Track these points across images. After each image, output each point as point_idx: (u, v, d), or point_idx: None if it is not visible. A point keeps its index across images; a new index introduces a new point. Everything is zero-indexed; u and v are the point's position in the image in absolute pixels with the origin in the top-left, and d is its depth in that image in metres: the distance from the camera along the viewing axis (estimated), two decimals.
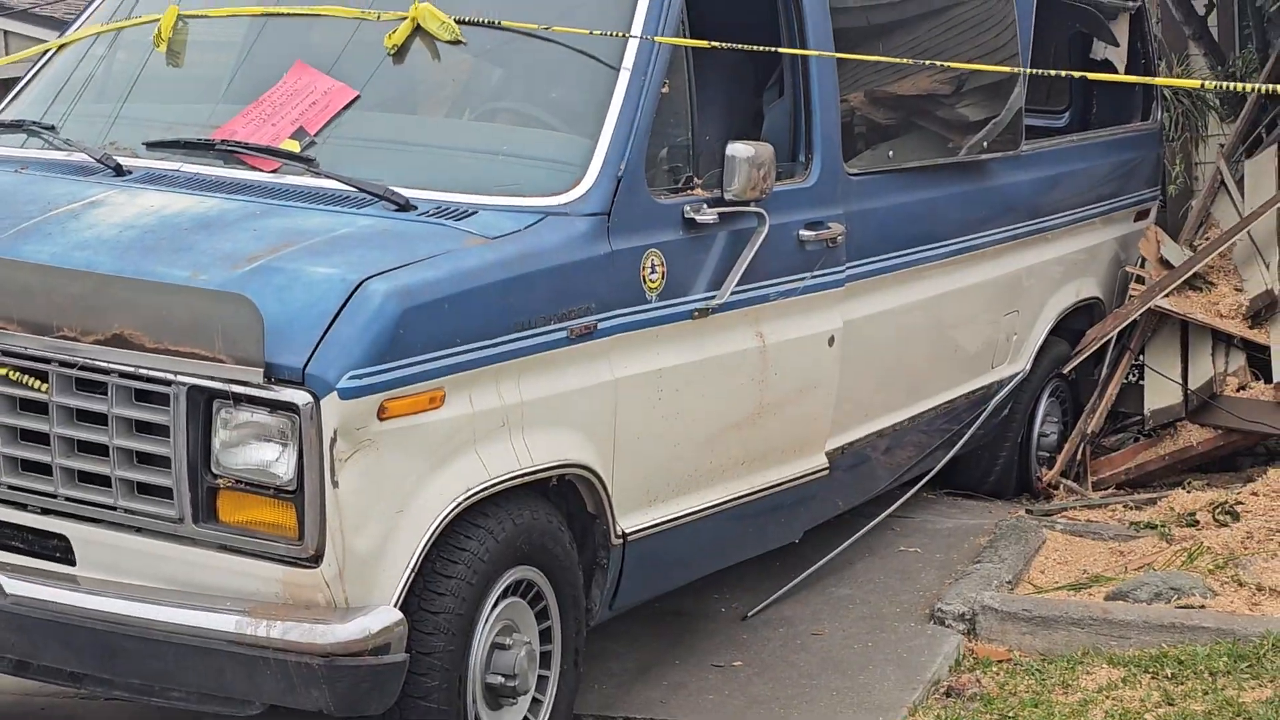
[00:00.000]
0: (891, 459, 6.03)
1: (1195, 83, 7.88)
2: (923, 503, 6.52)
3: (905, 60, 5.68)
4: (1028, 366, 6.84)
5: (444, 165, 4.58)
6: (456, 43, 4.68)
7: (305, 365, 3.62)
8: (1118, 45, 7.50)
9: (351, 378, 3.65)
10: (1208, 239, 7.67)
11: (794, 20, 5.19)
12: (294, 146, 4.52)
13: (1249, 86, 6.19)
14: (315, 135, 4.57)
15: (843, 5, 5.48)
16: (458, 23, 4.64)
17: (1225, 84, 7.43)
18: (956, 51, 6.27)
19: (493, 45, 4.78)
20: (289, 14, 4.89)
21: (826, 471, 5.42)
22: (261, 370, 3.61)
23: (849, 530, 5.89)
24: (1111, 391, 7.21)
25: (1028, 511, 6.71)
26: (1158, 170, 8.08)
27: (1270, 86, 5.18)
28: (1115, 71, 7.49)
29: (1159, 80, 7.72)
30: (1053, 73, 6.11)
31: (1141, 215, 7.79)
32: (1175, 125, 9.13)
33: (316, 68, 4.70)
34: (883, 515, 6.08)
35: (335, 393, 3.61)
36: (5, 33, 13.26)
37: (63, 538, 3.93)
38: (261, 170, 4.50)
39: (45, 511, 3.93)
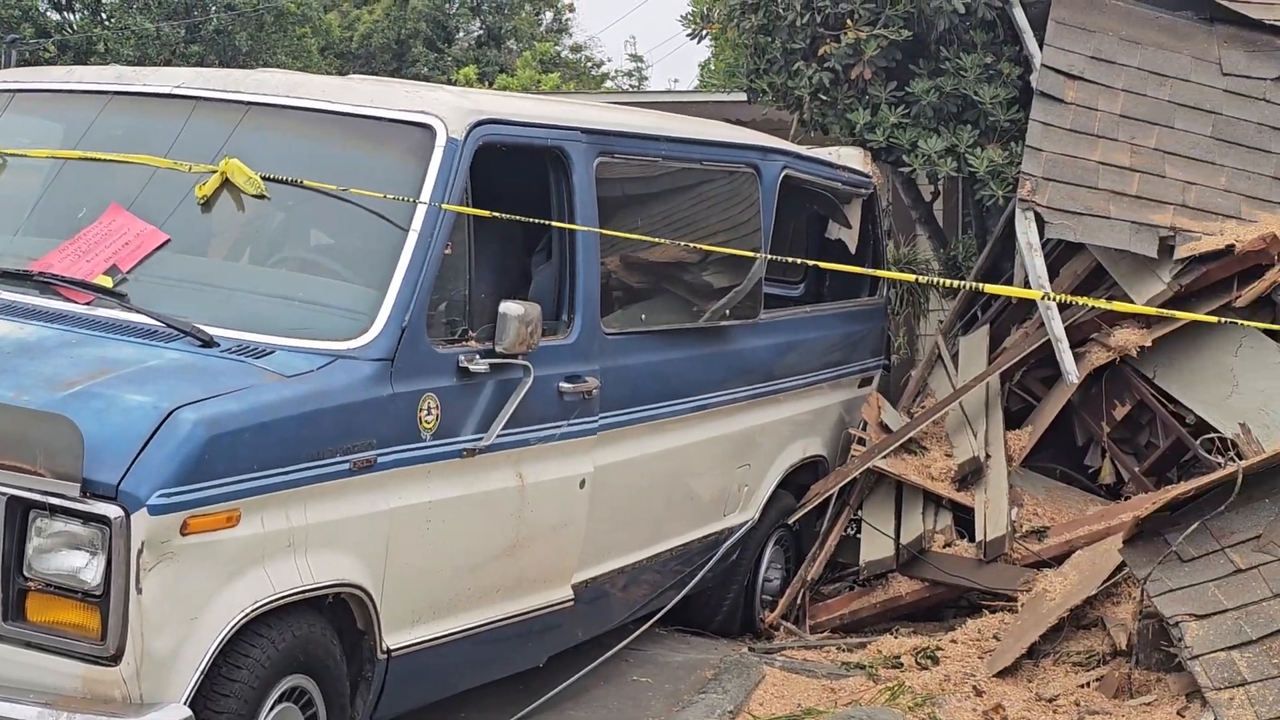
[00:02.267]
0: (630, 594, 6.70)
1: (910, 276, 8.87)
2: (655, 637, 7.16)
3: (660, 240, 6.44)
4: (756, 516, 7.59)
5: (246, 307, 5.22)
6: (261, 197, 5.32)
7: (119, 482, 4.23)
8: (850, 227, 8.47)
9: (160, 495, 4.26)
10: (924, 407, 8.54)
11: (564, 193, 5.97)
12: (107, 282, 5.09)
13: (964, 284, 7.17)
14: (128, 273, 5.16)
15: (606, 178, 6.26)
16: (263, 179, 5.30)
17: (940, 281, 8.40)
18: (706, 224, 7.16)
19: (295, 201, 5.44)
20: (109, 160, 5.47)
21: (572, 603, 6.10)
22: (79, 485, 4.19)
23: (588, 658, 6.49)
24: (831, 543, 7.93)
25: (750, 649, 7.39)
26: (882, 341, 9.00)
27: (979, 284, 6.15)
28: (848, 249, 8.46)
29: (886, 273, 8.65)
30: (797, 260, 6.94)
31: (865, 382, 8.69)
32: (900, 301, 10.17)
33: (130, 210, 5.28)
34: (619, 647, 6.68)
35: (145, 509, 4.21)
36: None
37: None
38: (76, 302, 5.07)
39: None
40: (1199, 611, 5.63)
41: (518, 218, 5.69)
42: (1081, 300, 7.37)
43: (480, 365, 5.34)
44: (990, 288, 7.91)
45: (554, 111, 6.20)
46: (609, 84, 26.49)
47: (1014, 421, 8.38)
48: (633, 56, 27.89)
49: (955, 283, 7.18)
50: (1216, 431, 7.63)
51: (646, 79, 27.39)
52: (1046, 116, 8.66)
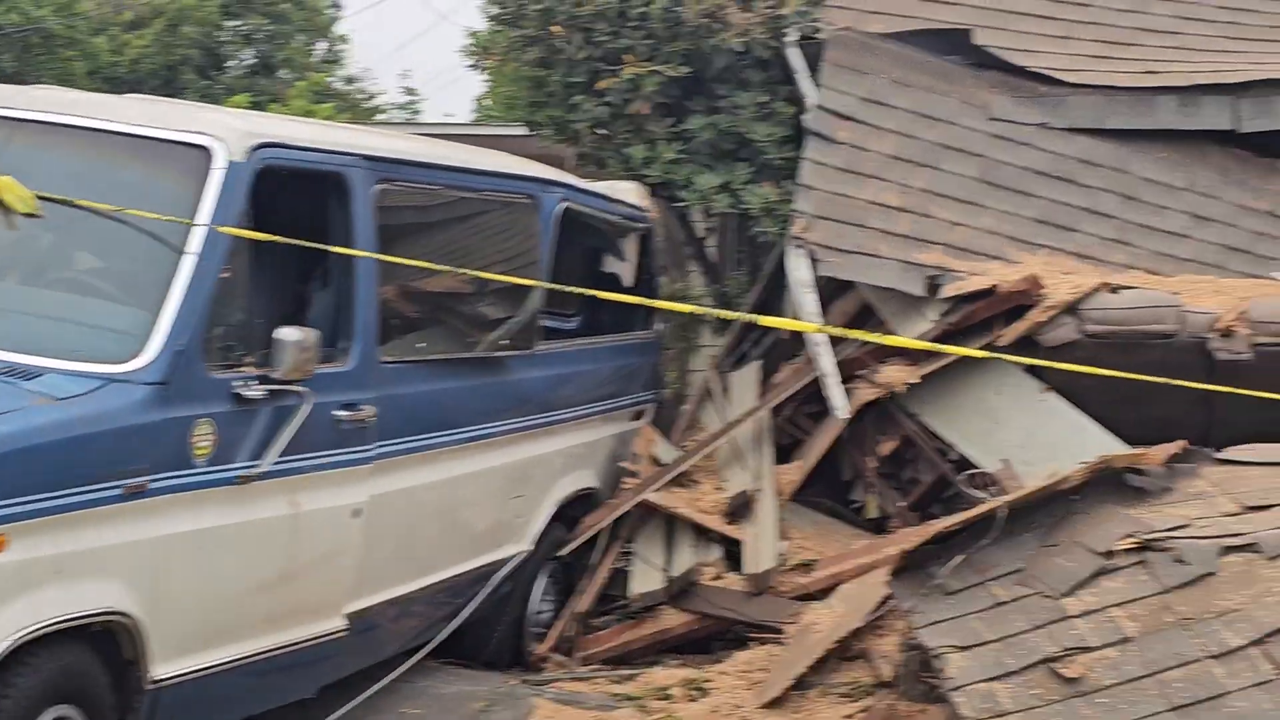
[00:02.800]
0: (403, 625, 6.74)
1: (689, 308, 9.02)
2: (427, 669, 7.17)
3: (439, 269, 6.52)
4: (529, 547, 7.68)
5: (16, 328, 5.15)
6: (34, 215, 5.26)
7: None
8: (626, 261, 8.65)
9: None
10: (696, 441, 8.72)
11: (343, 219, 6.01)
12: None
13: (740, 316, 7.37)
14: None
15: (386, 205, 6.32)
16: (37, 198, 5.24)
17: (716, 312, 8.60)
18: (485, 254, 7.25)
19: (70, 221, 5.39)
20: None
21: (345, 633, 6.11)
22: None
23: (360, 690, 6.51)
24: (602, 575, 8.03)
25: (521, 681, 7.46)
26: (655, 375, 9.18)
27: (755, 317, 6.33)
28: (624, 283, 8.63)
29: (667, 304, 8.81)
30: (575, 291, 7.04)
31: (638, 415, 8.85)
32: (674, 335, 10.37)
33: None
34: (390, 678, 6.70)
35: None
36: None
37: None
38: None
39: None
40: (961, 643, 5.80)
41: (296, 242, 5.70)
42: (855, 334, 7.63)
43: (256, 391, 5.35)
44: (766, 320, 8.14)
45: (335, 137, 6.25)
46: (382, 116, 26.41)
47: (784, 456, 8.58)
48: (407, 89, 28.05)
49: (731, 314, 7.39)
50: (979, 467, 7.94)
51: (420, 112, 27.44)
52: (819, 155, 8.94)
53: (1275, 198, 9.56)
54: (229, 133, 5.49)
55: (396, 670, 6.82)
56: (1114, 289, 8.21)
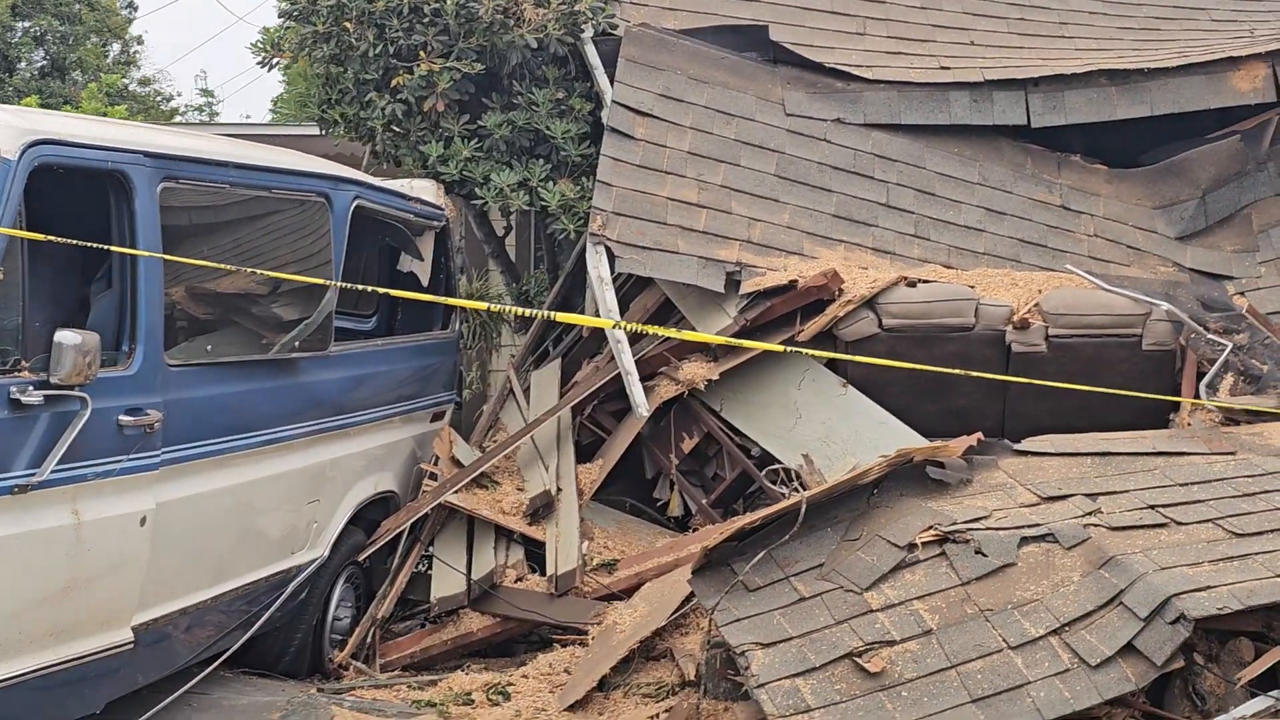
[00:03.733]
0: (194, 636, 6.60)
1: (484, 305, 9.02)
2: (221, 680, 7.06)
3: (227, 268, 6.43)
4: (326, 553, 7.60)
5: None
6: None
7: None
8: (423, 260, 8.59)
9: None
10: (496, 442, 8.72)
11: (125, 218, 5.87)
12: None
13: (540, 313, 7.37)
14: None
15: (171, 204, 6.19)
16: None
17: (518, 310, 8.59)
18: (275, 254, 7.14)
19: None
20: None
21: (132, 646, 5.97)
22: None
23: (150, 704, 6.37)
24: (402, 579, 8.01)
25: (319, 690, 7.37)
26: (454, 375, 9.15)
27: (553, 314, 6.32)
28: (421, 282, 8.58)
29: (467, 303, 8.80)
30: (371, 290, 6.99)
31: (438, 416, 8.82)
32: (473, 335, 10.34)
33: None
34: (181, 690, 6.58)
35: None
36: None
37: None
38: None
39: None
40: (765, 640, 5.86)
41: (73, 242, 5.56)
42: (654, 330, 7.67)
43: (34, 397, 5.21)
44: (564, 316, 8.16)
45: (117, 134, 6.08)
46: (179, 119, 25.98)
47: (585, 455, 8.64)
48: (203, 91, 27.59)
49: (531, 311, 7.39)
50: (781, 463, 8.05)
51: (218, 114, 27.07)
52: (617, 152, 8.99)
53: (1066, 191, 9.85)
54: (2, 129, 5.33)
55: (189, 683, 6.70)
56: (912, 283, 8.38)
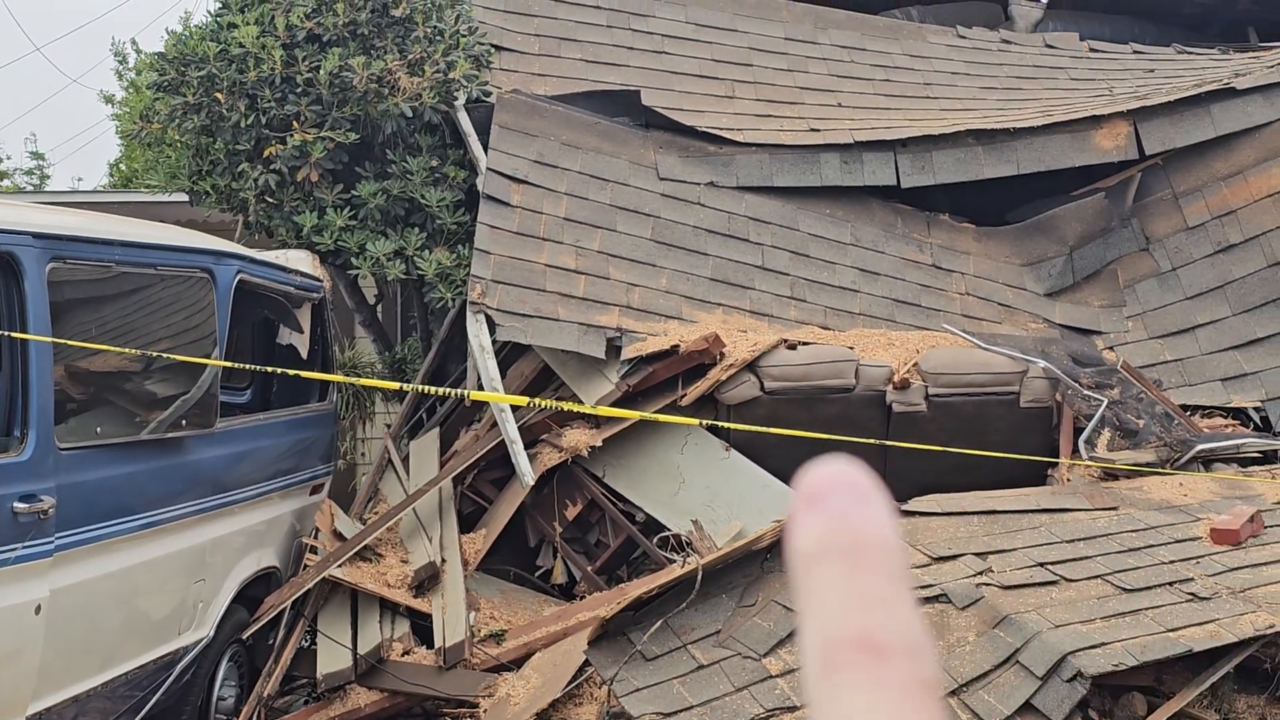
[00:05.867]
0: None
1: (390, 384, 9.13)
2: None
3: (115, 349, 6.53)
4: (211, 632, 7.67)
5: None
6: None
7: None
8: (302, 331, 8.72)
9: None
10: (377, 513, 8.84)
11: (14, 300, 5.95)
12: None
13: (458, 392, 7.50)
14: None
15: (59, 283, 6.27)
16: None
17: (417, 386, 8.72)
18: (162, 331, 7.23)
19: None
20: None
21: None
22: None
23: None
24: (287, 656, 8.06)
25: None
26: (332, 447, 9.27)
27: (466, 392, 6.46)
28: (300, 354, 8.70)
29: (373, 382, 8.92)
30: (277, 369, 7.10)
31: (317, 489, 8.93)
32: (347, 405, 10.45)
33: None
34: None
35: None
36: None
37: None
38: None
39: None
40: (665, 710, 6.03)
41: None
42: (542, 402, 7.86)
43: None
44: (477, 395, 8.29)
45: (3, 214, 6.17)
46: (7, 183, 25.63)
47: (468, 524, 8.79)
48: (34, 154, 27.31)
49: (432, 388, 7.53)
50: (667, 528, 8.26)
51: (49, 177, 26.68)
52: (493, 219, 9.20)
53: (937, 250, 10.23)
54: None
55: None
56: (792, 345, 8.66)
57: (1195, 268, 10.59)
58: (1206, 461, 8.71)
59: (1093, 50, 12.93)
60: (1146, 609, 6.06)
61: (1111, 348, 9.81)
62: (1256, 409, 9.86)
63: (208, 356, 7.12)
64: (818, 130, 10.57)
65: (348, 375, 10.32)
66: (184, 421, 7.09)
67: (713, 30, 11.66)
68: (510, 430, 8.33)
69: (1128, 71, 12.46)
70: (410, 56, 9.56)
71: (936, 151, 10.42)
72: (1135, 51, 13.08)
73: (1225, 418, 9.72)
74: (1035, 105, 11.46)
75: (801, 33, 11.96)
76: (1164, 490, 7.91)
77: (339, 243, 9.44)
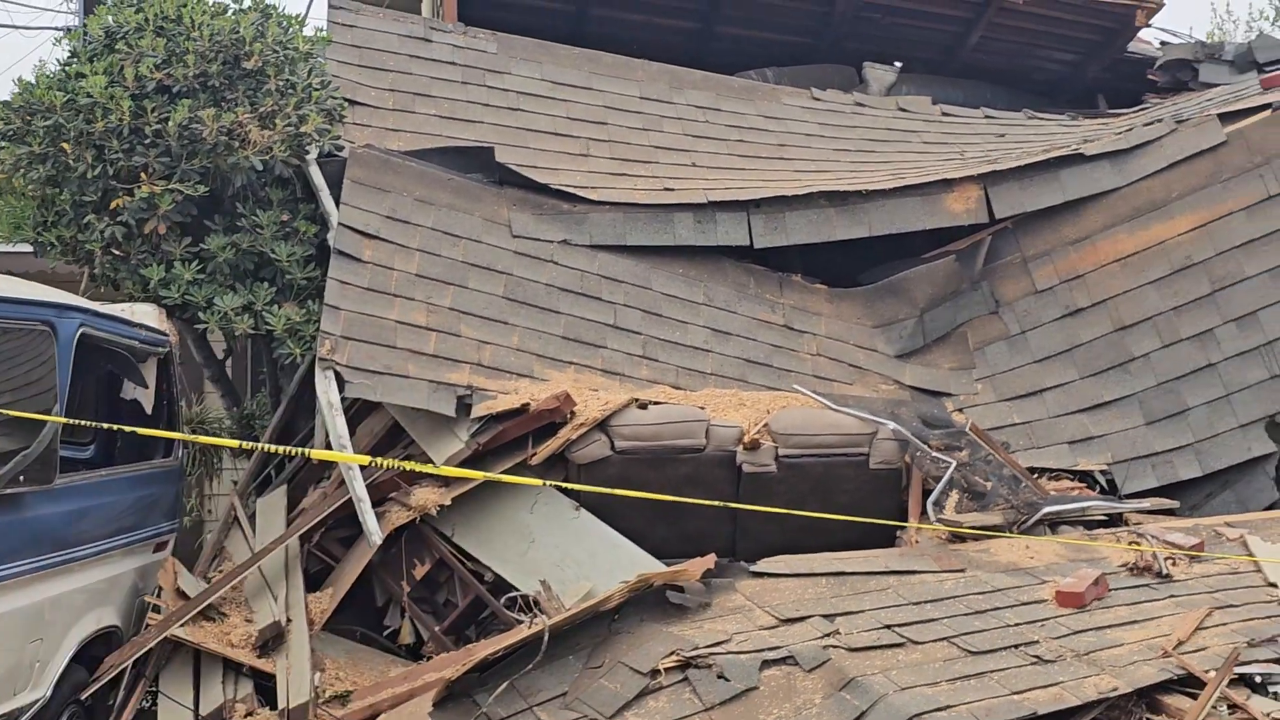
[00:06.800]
0: None
1: (240, 443, 9.08)
2: None
3: None
4: (48, 693, 7.51)
5: None
6: None
7: None
8: (147, 386, 8.67)
9: None
10: (222, 571, 8.77)
11: None
12: None
13: (303, 451, 7.49)
14: None
15: None
16: None
17: (269, 446, 8.65)
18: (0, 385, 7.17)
19: None
20: None
21: None
22: None
23: None
24: (127, 717, 7.90)
25: None
26: (177, 504, 9.18)
27: (273, 446, 6.46)
28: (144, 409, 8.65)
29: (228, 442, 8.87)
30: (126, 428, 7.03)
31: (160, 546, 8.84)
32: (193, 461, 10.39)
33: None
34: None
35: None
36: None
37: None
38: None
39: None
40: None
41: None
42: (387, 462, 7.87)
43: None
44: (320, 454, 8.29)
45: None
46: None
47: (315, 583, 8.76)
48: None
49: (282, 448, 7.52)
50: (516, 589, 8.31)
51: None
52: (344, 275, 9.22)
53: (789, 311, 10.42)
54: None
55: None
56: (643, 405, 8.77)
57: (1044, 331, 10.89)
58: (1053, 524, 8.95)
59: (945, 114, 13.26)
60: (992, 671, 6.20)
61: (961, 410, 10.04)
62: (1103, 472, 10.14)
63: (48, 411, 7.06)
64: (672, 190, 10.73)
65: (195, 431, 10.26)
66: (22, 477, 7.02)
67: (569, 88, 11.80)
68: (358, 489, 8.33)
69: (979, 136, 12.78)
70: (262, 109, 9.58)
71: (790, 212, 10.62)
72: (987, 116, 13.43)
73: (1072, 480, 9.99)
74: (888, 168, 11.71)
75: (657, 92, 12.14)
76: (1011, 553, 8.11)
77: (187, 297, 9.40)
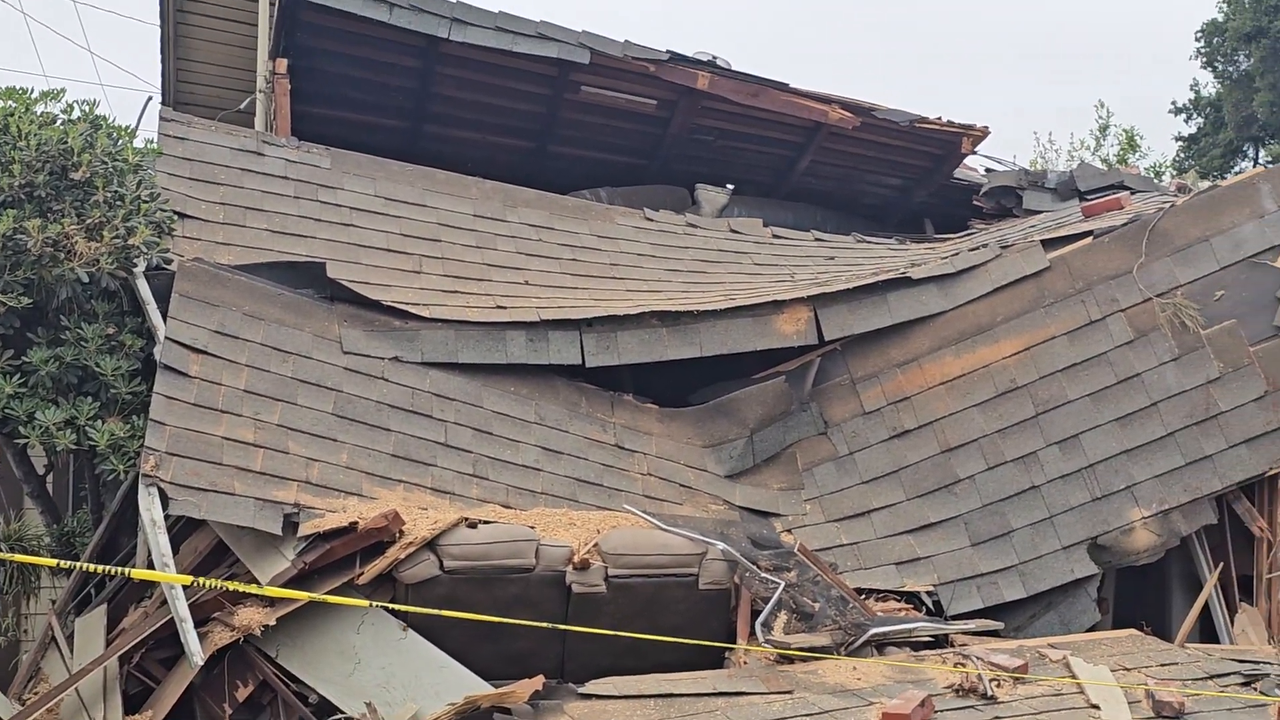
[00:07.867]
0: None
1: (48, 561, 8.96)
2: None
3: None
4: None
5: None
6: None
7: None
8: None
9: None
10: (37, 693, 8.63)
11: None
12: None
13: (116, 569, 7.40)
14: None
15: None
16: None
17: (85, 565, 8.56)
18: None
19: None
20: None
21: None
22: None
23: None
24: None
25: None
26: None
27: (93, 565, 6.38)
28: None
29: (40, 560, 8.74)
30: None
31: None
32: (10, 579, 10.21)
33: None
34: None
35: None
36: None
37: None
38: None
39: None
40: None
41: None
42: (210, 582, 7.82)
43: None
44: (141, 574, 8.19)
45: None
46: None
47: (134, 705, 8.61)
48: None
49: (105, 568, 7.42)
50: (341, 711, 8.27)
51: None
52: (170, 390, 9.18)
53: (620, 430, 10.54)
54: None
55: None
56: (473, 524, 8.82)
57: (872, 452, 11.13)
58: (880, 645, 9.12)
59: (776, 236, 13.55)
60: None
61: (790, 530, 10.21)
62: (929, 593, 10.36)
63: None
64: (504, 308, 10.84)
65: (13, 549, 10.11)
66: None
67: (402, 205, 11.89)
68: (180, 608, 8.25)
69: (809, 258, 13.08)
70: (89, 221, 9.53)
71: (622, 332, 10.77)
72: (817, 239, 13.75)
73: (899, 601, 10.19)
74: (720, 288, 11.93)
75: (491, 210, 12.28)
76: (839, 674, 8.25)
77: (7, 410, 9.27)
